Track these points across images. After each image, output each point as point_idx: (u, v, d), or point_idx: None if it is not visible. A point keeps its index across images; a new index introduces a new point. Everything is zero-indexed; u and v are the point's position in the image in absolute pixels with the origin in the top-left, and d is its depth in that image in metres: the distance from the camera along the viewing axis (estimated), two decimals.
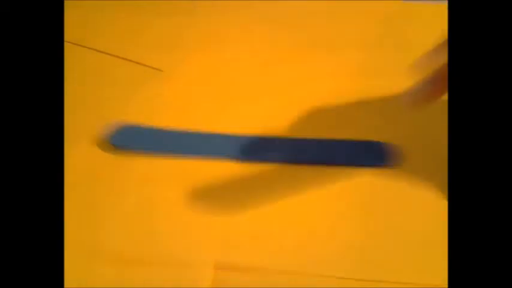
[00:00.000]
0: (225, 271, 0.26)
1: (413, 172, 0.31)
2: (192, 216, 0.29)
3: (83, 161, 0.32)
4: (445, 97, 0.25)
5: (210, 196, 0.30)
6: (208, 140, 0.33)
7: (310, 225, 0.29)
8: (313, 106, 0.35)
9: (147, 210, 0.29)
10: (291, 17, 0.45)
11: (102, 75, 0.38)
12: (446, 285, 0.19)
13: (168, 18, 0.44)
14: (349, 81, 0.37)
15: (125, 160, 0.32)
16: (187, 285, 0.26)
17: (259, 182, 0.31)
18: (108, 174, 0.31)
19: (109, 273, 0.26)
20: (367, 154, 0.32)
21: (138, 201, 0.30)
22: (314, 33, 0.43)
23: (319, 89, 0.37)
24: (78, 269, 0.26)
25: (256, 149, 0.32)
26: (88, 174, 0.31)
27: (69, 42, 0.41)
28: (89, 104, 0.35)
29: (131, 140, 0.33)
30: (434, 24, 0.31)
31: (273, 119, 0.34)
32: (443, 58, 0.24)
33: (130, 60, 0.40)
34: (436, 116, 0.28)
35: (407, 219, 0.29)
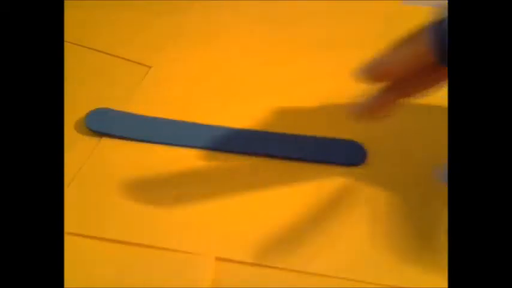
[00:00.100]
0: (226, 263, 0.27)
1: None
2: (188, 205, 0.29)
3: (82, 158, 0.32)
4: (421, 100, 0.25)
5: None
6: (183, 129, 0.34)
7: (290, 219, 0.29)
8: (303, 104, 0.35)
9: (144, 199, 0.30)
10: (291, 17, 0.45)
11: (102, 75, 0.38)
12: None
13: (168, 18, 0.44)
14: (348, 81, 0.37)
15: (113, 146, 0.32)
16: (189, 278, 0.26)
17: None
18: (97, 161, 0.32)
19: (109, 270, 0.26)
20: (339, 152, 0.32)
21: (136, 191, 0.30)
22: (314, 34, 0.43)
23: (319, 89, 0.37)
24: (78, 268, 0.26)
25: (229, 140, 0.33)
26: (85, 164, 0.32)
27: (69, 42, 0.41)
28: (88, 104, 0.35)
29: (105, 123, 0.33)
30: None
31: (264, 115, 0.35)
32: (391, 64, 0.24)
33: (131, 60, 0.40)
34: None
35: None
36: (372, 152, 0.32)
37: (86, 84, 0.37)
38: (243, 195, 0.30)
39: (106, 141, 0.33)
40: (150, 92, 0.37)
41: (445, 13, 0.22)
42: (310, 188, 0.30)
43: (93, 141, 0.33)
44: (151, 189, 0.30)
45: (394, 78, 0.24)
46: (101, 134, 0.33)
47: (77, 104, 0.35)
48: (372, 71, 0.24)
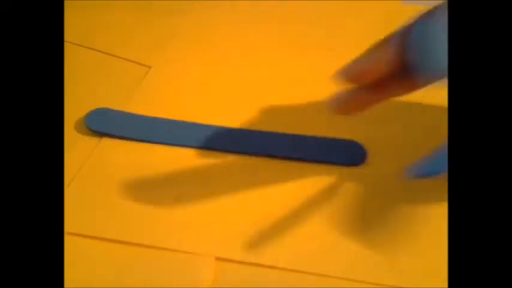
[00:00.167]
0: (226, 263, 0.27)
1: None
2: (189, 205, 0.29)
3: (82, 158, 0.32)
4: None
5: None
6: (183, 129, 0.34)
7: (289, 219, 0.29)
8: (303, 104, 0.35)
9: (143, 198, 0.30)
10: (291, 17, 0.45)
11: (103, 75, 0.38)
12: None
13: (168, 18, 0.44)
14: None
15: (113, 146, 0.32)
16: (189, 278, 0.26)
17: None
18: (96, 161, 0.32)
19: (109, 270, 0.26)
20: (339, 152, 0.32)
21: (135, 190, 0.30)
22: (314, 34, 0.43)
23: (319, 89, 0.37)
24: (78, 268, 0.26)
25: (229, 140, 0.33)
26: (85, 164, 0.32)
27: (69, 42, 0.41)
28: (88, 104, 0.35)
29: (105, 123, 0.33)
30: None
31: (264, 115, 0.35)
32: (363, 67, 0.24)
33: (130, 60, 0.40)
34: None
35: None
36: (372, 152, 0.32)
37: (86, 84, 0.37)
38: (243, 195, 0.30)
39: (106, 141, 0.33)
40: (150, 92, 0.37)
41: (420, 17, 0.22)
42: (310, 188, 0.30)
43: (93, 141, 0.33)
44: (151, 189, 0.30)
45: (368, 81, 0.24)
46: (101, 134, 0.33)
47: (77, 104, 0.35)
48: (347, 74, 0.24)
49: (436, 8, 0.23)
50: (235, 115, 0.35)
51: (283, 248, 0.27)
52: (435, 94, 0.27)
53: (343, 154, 0.32)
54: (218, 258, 0.27)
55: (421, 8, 0.26)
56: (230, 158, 0.32)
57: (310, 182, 0.31)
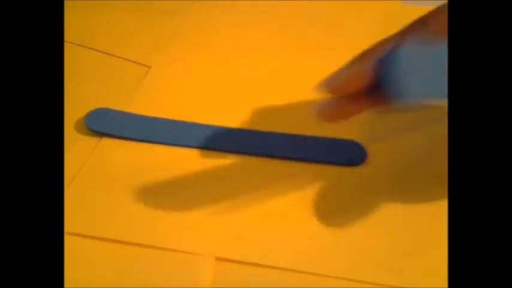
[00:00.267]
0: (226, 263, 0.27)
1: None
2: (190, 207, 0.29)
3: (82, 158, 0.32)
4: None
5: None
6: (183, 129, 0.34)
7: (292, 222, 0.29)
8: (304, 104, 0.35)
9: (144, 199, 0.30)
10: (291, 17, 0.45)
11: (102, 75, 0.38)
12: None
13: (168, 18, 0.44)
14: None
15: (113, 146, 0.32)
16: (189, 278, 0.26)
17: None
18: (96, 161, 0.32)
19: (109, 270, 0.26)
20: (339, 152, 0.32)
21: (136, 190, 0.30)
22: (314, 34, 0.43)
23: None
24: (78, 268, 0.26)
25: (229, 141, 0.33)
26: (85, 164, 0.32)
27: (69, 42, 0.41)
28: (88, 104, 0.35)
29: (105, 123, 0.33)
30: None
31: (264, 115, 0.35)
32: (347, 78, 0.24)
33: (130, 60, 0.40)
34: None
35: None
36: (372, 152, 0.32)
37: (86, 84, 0.37)
38: (242, 195, 0.30)
39: (106, 141, 0.33)
40: (150, 92, 0.37)
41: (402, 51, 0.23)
42: (310, 188, 0.30)
43: (93, 141, 0.33)
44: (151, 189, 0.30)
45: (349, 92, 0.25)
46: (101, 134, 0.33)
47: (77, 104, 0.35)
48: (328, 85, 0.25)
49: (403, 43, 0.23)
50: (235, 115, 0.35)
51: (283, 248, 0.27)
52: None
53: (343, 154, 0.32)
54: (218, 258, 0.27)
55: (421, 8, 0.26)
56: (230, 158, 0.32)
57: (310, 182, 0.31)
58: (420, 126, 0.33)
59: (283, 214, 0.29)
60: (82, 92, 0.36)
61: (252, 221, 0.28)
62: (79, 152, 0.32)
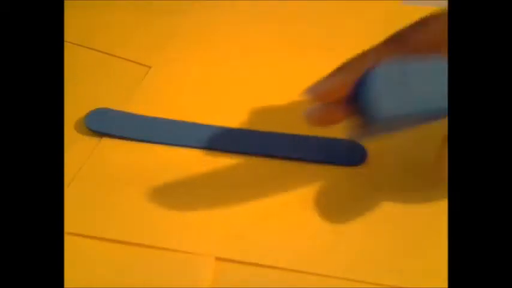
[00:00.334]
0: (226, 263, 0.27)
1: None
2: (191, 206, 0.29)
3: (82, 158, 0.32)
4: None
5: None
6: (183, 129, 0.34)
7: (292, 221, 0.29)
8: (303, 104, 0.35)
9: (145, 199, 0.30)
10: (290, 17, 0.45)
11: (102, 75, 0.39)
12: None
13: (168, 18, 0.44)
14: None
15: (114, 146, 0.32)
16: (189, 278, 0.26)
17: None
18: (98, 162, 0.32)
19: (109, 270, 0.26)
20: (339, 152, 0.32)
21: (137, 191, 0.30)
22: (313, 34, 0.43)
23: None
24: (78, 268, 0.26)
25: (229, 141, 0.33)
26: (85, 164, 0.32)
27: (69, 42, 0.41)
28: (88, 104, 0.35)
29: (105, 123, 0.33)
30: None
31: (264, 115, 0.35)
32: (331, 86, 0.25)
33: (130, 60, 0.40)
34: None
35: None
36: (372, 152, 0.32)
37: (86, 84, 0.37)
38: (242, 195, 0.30)
39: (106, 141, 0.33)
40: (150, 92, 0.37)
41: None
42: (310, 188, 0.30)
43: (93, 141, 0.33)
44: (151, 189, 0.30)
45: (334, 99, 0.26)
46: (101, 134, 0.33)
47: (77, 104, 0.35)
48: (313, 92, 0.25)
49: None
50: (235, 115, 0.35)
51: (283, 248, 0.27)
52: None
53: (343, 154, 0.32)
54: (218, 258, 0.27)
55: (421, 8, 0.26)
56: (230, 158, 0.32)
57: (310, 182, 0.31)
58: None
59: (283, 214, 0.29)
60: (82, 92, 0.36)
61: (252, 221, 0.29)
62: (79, 152, 0.32)
